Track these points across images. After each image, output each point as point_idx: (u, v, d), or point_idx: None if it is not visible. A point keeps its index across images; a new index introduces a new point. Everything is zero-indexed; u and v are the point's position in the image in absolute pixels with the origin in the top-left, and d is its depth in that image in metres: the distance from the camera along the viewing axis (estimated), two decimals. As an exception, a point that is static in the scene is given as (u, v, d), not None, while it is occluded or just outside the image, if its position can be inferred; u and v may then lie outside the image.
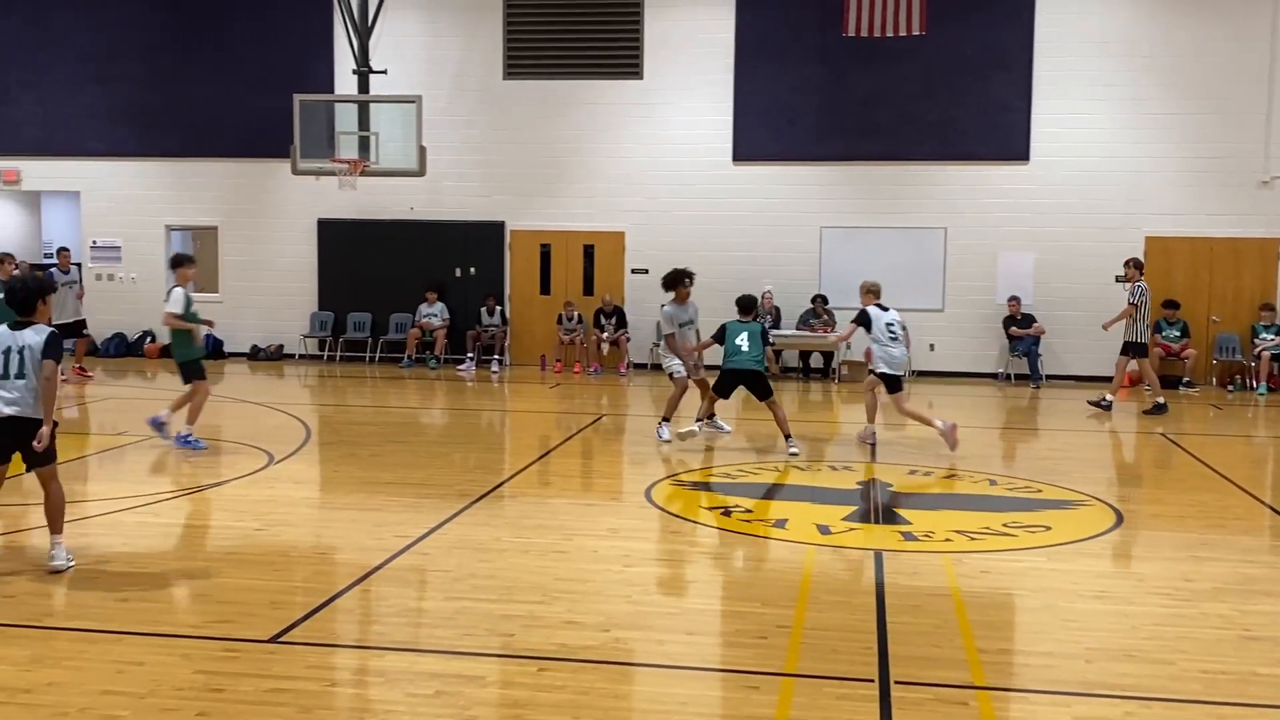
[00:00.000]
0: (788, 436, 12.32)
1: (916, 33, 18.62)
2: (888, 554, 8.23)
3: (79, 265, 20.06)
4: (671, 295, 13.00)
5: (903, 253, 19.30)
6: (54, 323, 16.04)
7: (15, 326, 7.40)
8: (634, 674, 6.06)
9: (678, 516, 9.35)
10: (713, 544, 8.60)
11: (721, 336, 12.51)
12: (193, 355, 11.99)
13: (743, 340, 12.34)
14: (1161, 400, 15.61)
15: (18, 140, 21.20)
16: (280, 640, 6.31)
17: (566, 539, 8.54)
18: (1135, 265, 15.94)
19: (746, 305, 12.59)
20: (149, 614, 6.70)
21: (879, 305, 12.70)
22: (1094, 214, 18.91)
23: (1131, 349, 15.78)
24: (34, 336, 7.35)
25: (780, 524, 9.10)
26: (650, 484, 10.52)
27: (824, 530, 8.94)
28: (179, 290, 11.89)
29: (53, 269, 17.85)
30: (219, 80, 20.55)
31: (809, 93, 19.33)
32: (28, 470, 7.60)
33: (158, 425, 12.11)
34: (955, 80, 19.08)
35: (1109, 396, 15.88)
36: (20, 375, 7.28)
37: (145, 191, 21.05)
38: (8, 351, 7.31)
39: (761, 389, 12.42)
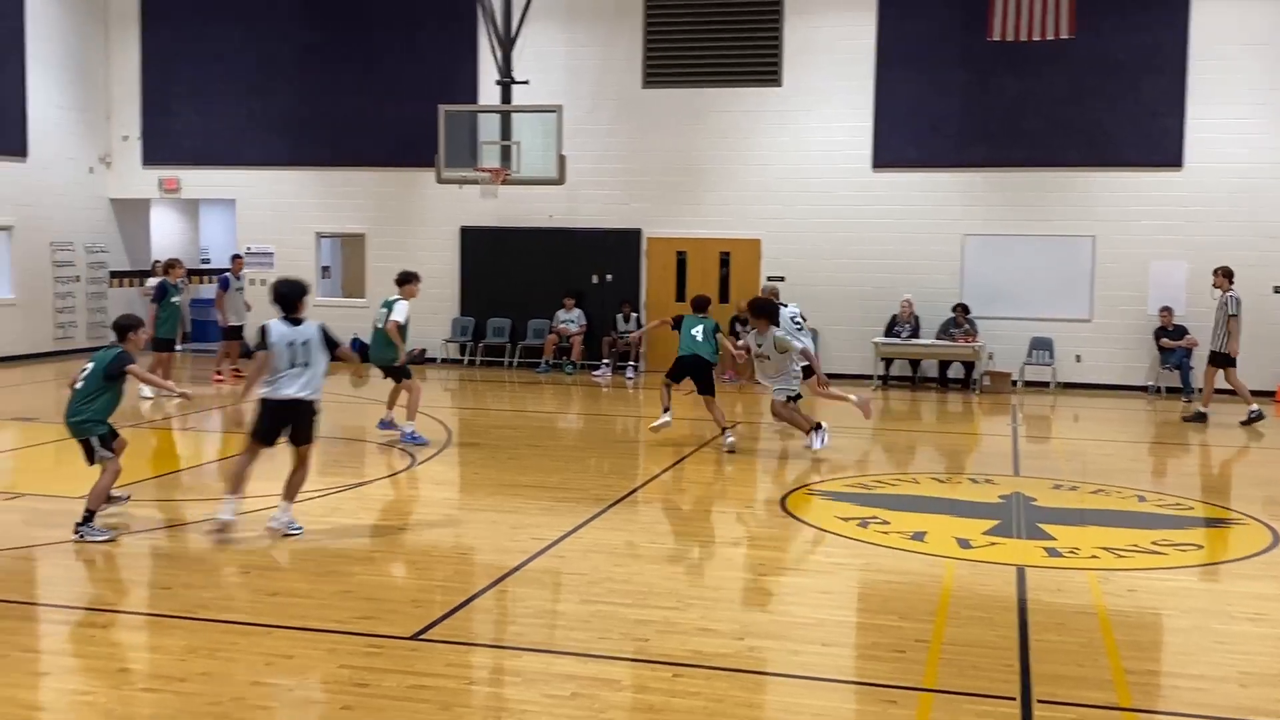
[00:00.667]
0: (724, 430, 12.89)
1: (1064, 36, 18.12)
2: (1030, 570, 8.03)
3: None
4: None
5: (1048, 261, 18.81)
6: (226, 324, 16.70)
7: (293, 322, 8.51)
8: (769, 683, 6.03)
9: (813, 526, 9.27)
10: (848, 555, 8.50)
11: (678, 325, 13.19)
12: (396, 359, 12.68)
13: (697, 332, 13.00)
14: (1204, 410, 15.49)
15: (178, 150, 22.14)
16: (421, 638, 6.46)
17: (701, 546, 8.56)
18: (1226, 274, 15.54)
19: (700, 304, 13.40)
20: (297, 608, 6.93)
21: (780, 303, 13.74)
22: (1253, 222, 18.13)
23: (1219, 359, 15.47)
24: (312, 330, 8.50)
25: (919, 536, 8.96)
26: (785, 493, 10.46)
27: (964, 544, 8.76)
28: (404, 303, 12.62)
29: (226, 273, 18.53)
30: (368, 92, 21.14)
31: (952, 98, 18.99)
32: (295, 446, 8.60)
33: (387, 426, 12.90)
34: (1104, 84, 18.52)
35: (1202, 409, 15.62)
36: (306, 364, 8.40)
37: (297, 200, 21.77)
38: (292, 344, 8.39)
39: (705, 382, 12.99)
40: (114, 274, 22.50)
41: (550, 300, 20.34)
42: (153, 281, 22.31)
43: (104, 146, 22.23)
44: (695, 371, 12.94)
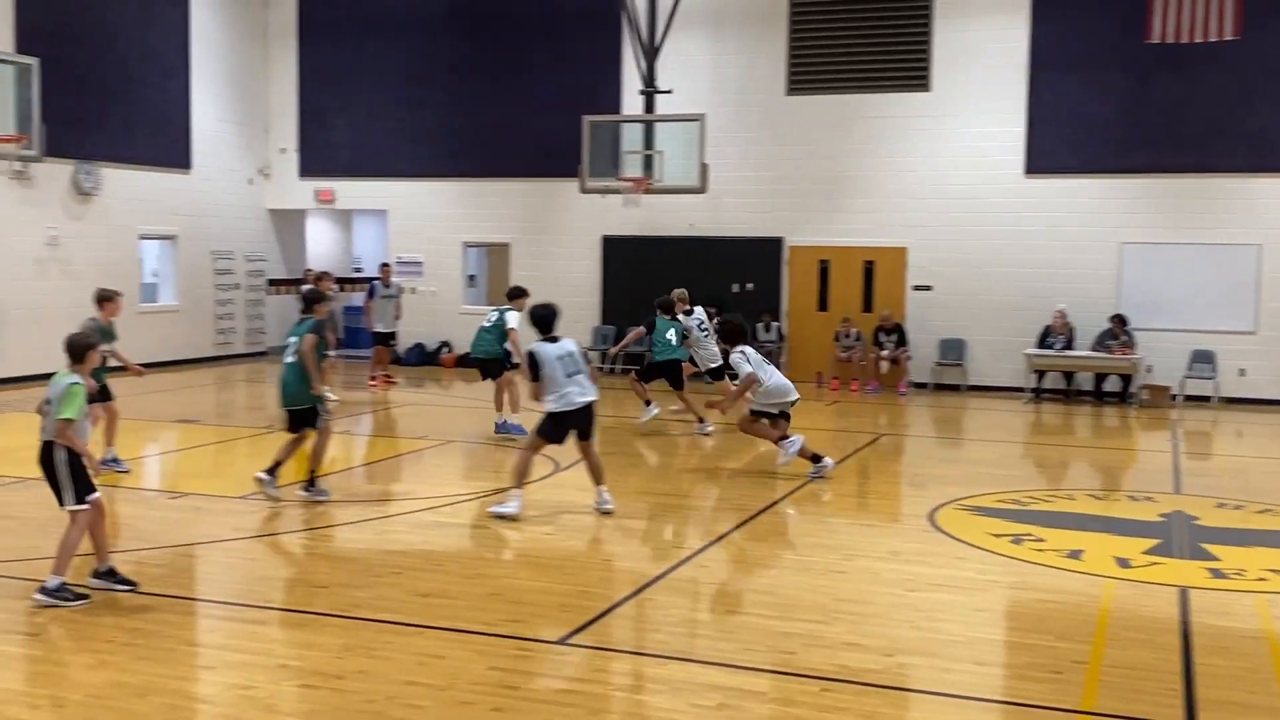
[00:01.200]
0: (701, 420, 13.96)
1: (1228, 37, 17.38)
2: (1194, 591, 7.70)
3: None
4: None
5: (1210, 271, 18.04)
6: (374, 330, 17.37)
7: (552, 340, 9.55)
8: (919, 701, 5.90)
9: (963, 542, 9.04)
10: (1001, 572, 8.26)
11: (650, 329, 14.15)
12: (499, 357, 13.88)
13: (671, 336, 14.09)
14: None
15: (333, 162, 22.83)
16: (568, 642, 6.49)
17: (846, 559, 8.42)
18: None
19: (665, 306, 14.27)
20: (448, 610, 7.04)
21: (685, 312, 14.34)
22: None
23: None
24: (572, 344, 9.65)
25: (1075, 555, 8.66)
26: (933, 507, 10.24)
27: (1123, 564, 8.44)
28: (516, 313, 13.69)
29: (375, 281, 19.03)
30: (514, 103, 21.48)
31: (1109, 102, 18.38)
32: (581, 441, 9.64)
33: (504, 428, 13.70)
34: (1271, 86, 17.70)
35: None
36: (580, 371, 9.49)
37: (445, 210, 22.24)
38: (562, 358, 9.44)
39: (677, 380, 14.29)
40: (271, 281, 23.31)
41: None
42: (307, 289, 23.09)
43: (263, 159, 23.06)
44: (668, 371, 14.36)
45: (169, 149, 20.76)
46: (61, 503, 7.13)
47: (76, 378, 7.19)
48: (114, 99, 19.54)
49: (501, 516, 9.38)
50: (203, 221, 21.47)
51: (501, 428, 13.67)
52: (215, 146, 21.82)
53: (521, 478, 9.60)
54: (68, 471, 7.07)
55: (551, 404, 9.46)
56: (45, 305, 17.40)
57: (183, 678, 6.01)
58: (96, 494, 7.20)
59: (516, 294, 14.12)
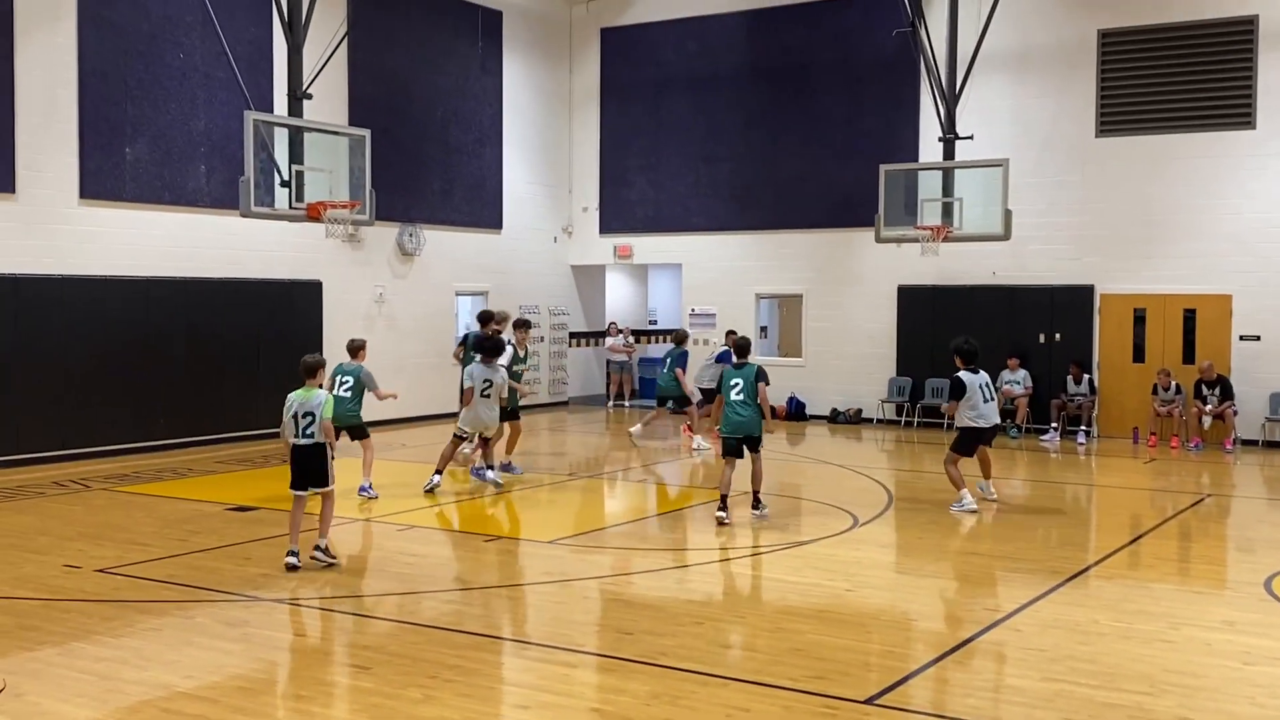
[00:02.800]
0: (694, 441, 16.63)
1: None
2: None
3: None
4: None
5: None
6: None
7: (975, 370, 12.50)
8: (1266, 788, 5.40)
9: (1307, 614, 8.27)
10: (1354, 650, 7.50)
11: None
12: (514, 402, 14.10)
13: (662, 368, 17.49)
14: None
15: (632, 218, 23.57)
16: (876, 702, 6.34)
17: (1173, 628, 7.86)
18: None
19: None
20: (752, 662, 7.03)
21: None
22: None
23: None
24: (985, 375, 12.51)
25: None
26: (1270, 575, 9.42)
27: None
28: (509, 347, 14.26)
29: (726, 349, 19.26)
30: (808, 154, 21.55)
31: None
32: (986, 446, 12.75)
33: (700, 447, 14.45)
34: None
35: None
36: (991, 398, 12.41)
37: (738, 262, 22.50)
38: (983, 386, 12.33)
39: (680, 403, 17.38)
40: (573, 335, 24.23)
41: (994, 360, 19.59)
42: (611, 340, 23.88)
43: (566, 218, 24.08)
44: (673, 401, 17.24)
45: (483, 210, 22.01)
46: (326, 484, 9.52)
47: (325, 392, 9.71)
48: (434, 165, 20.93)
49: (966, 511, 12.15)
50: (511, 278, 22.59)
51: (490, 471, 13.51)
52: (523, 207, 22.97)
53: (962, 482, 12.35)
54: (330, 462, 9.58)
55: (969, 420, 12.32)
56: (373, 355, 18.63)
57: (500, 716, 6.24)
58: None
59: (520, 324, 15.10)
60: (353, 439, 12.55)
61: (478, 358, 13.18)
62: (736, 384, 11.59)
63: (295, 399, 9.48)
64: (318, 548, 9.55)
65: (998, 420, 12.60)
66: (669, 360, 17.52)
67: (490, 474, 13.30)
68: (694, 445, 17.02)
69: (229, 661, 7.09)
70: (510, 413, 13.91)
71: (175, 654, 7.20)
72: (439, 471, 13.09)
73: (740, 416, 11.50)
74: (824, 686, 6.57)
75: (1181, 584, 9.54)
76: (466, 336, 15.92)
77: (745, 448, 11.59)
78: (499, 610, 8.55)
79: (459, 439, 13.28)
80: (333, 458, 9.62)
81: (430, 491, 12.83)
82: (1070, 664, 7.04)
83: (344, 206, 14.64)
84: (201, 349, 16.97)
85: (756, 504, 11.72)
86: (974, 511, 12.04)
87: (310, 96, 15.12)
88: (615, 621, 8.14)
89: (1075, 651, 7.29)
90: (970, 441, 12.39)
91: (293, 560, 9.37)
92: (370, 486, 12.70)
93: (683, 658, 7.09)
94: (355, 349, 12.98)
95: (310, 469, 9.49)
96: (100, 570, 9.37)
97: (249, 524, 11.20)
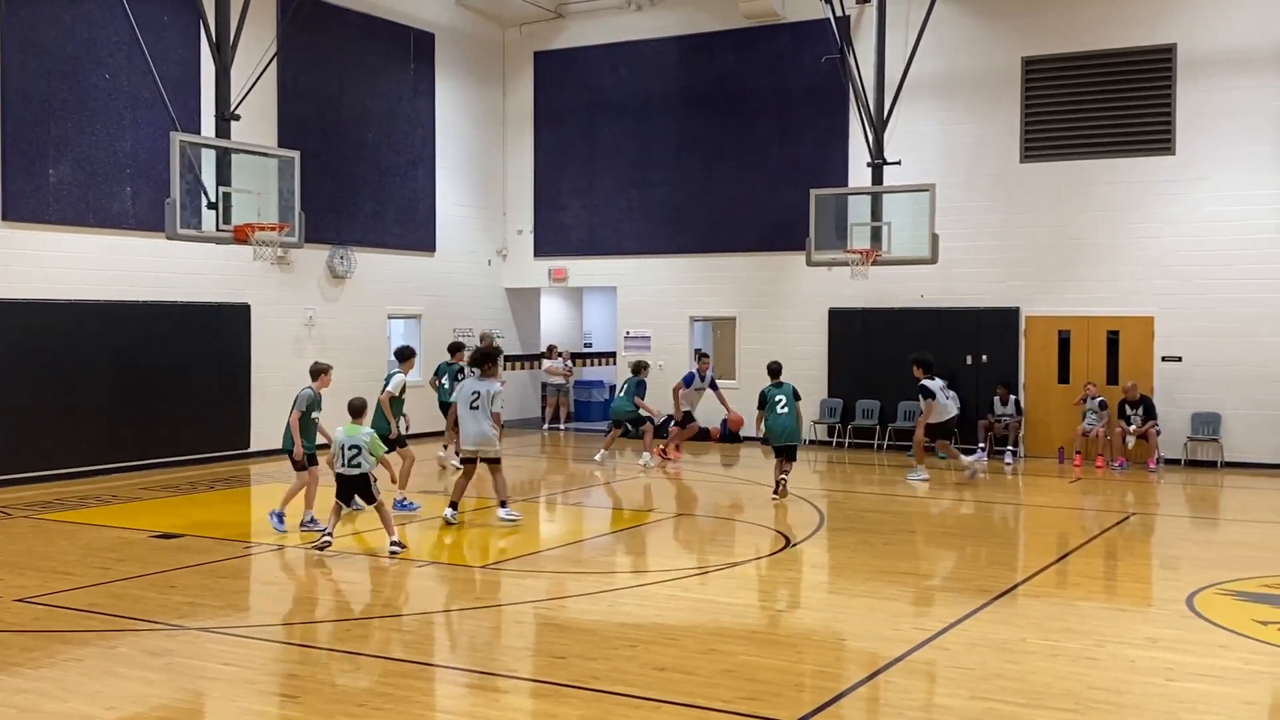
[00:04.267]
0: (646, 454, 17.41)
1: None
2: None
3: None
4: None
5: None
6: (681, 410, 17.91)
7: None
8: (1187, 802, 5.50)
9: (1226, 629, 8.45)
10: (1270, 663, 7.66)
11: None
12: (386, 432, 13.16)
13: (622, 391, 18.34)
14: None
15: (566, 242, 23.59)
16: (806, 724, 6.37)
17: (1098, 645, 7.99)
18: None
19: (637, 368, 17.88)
20: (684, 685, 7.03)
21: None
22: None
23: None
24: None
25: (1356, 647, 7.96)
26: (1192, 591, 9.62)
27: None
28: (399, 376, 13.75)
29: (692, 373, 18.95)
30: (741, 178, 21.74)
31: (1375, 159, 17.17)
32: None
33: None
34: None
35: None
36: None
37: (672, 285, 22.58)
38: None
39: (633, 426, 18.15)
40: (507, 358, 24.13)
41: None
42: (548, 363, 23.81)
43: (500, 240, 24.04)
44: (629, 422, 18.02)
45: (415, 233, 21.90)
46: (371, 501, 10.99)
47: (369, 429, 11.02)
48: (366, 187, 20.80)
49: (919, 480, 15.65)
50: (445, 301, 22.48)
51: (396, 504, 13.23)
52: (457, 229, 22.89)
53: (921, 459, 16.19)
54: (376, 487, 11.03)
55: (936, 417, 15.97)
56: (301, 381, 18.39)
57: (430, 743, 6.19)
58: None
59: (404, 355, 14.37)
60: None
61: (476, 372, 12.67)
62: (781, 399, 14.53)
63: (342, 433, 10.98)
64: (394, 541, 10.87)
65: (957, 411, 16.66)
66: (627, 388, 18.22)
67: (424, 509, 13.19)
68: (642, 461, 17.69)
69: (152, 692, 6.95)
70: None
71: (97, 684, 7.05)
72: (454, 505, 12.51)
73: (789, 427, 14.50)
74: (756, 708, 6.59)
75: (1107, 602, 9.70)
76: (440, 366, 17.13)
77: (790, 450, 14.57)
78: (430, 637, 8.48)
79: (469, 463, 12.58)
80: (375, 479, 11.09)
81: (450, 524, 12.35)
82: (998, 682, 7.13)
83: (272, 229, 14.48)
84: (127, 373, 16.68)
85: (777, 488, 14.49)
86: (925, 480, 15.93)
87: (238, 118, 14.97)
88: (548, 646, 8.10)
89: (1003, 670, 7.38)
90: (940, 431, 16.13)
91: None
92: (407, 501, 13.20)
93: (615, 681, 7.07)
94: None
95: (358, 491, 11.13)
96: (20, 600, 9.14)
97: (174, 551, 11.00)
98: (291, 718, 6.53)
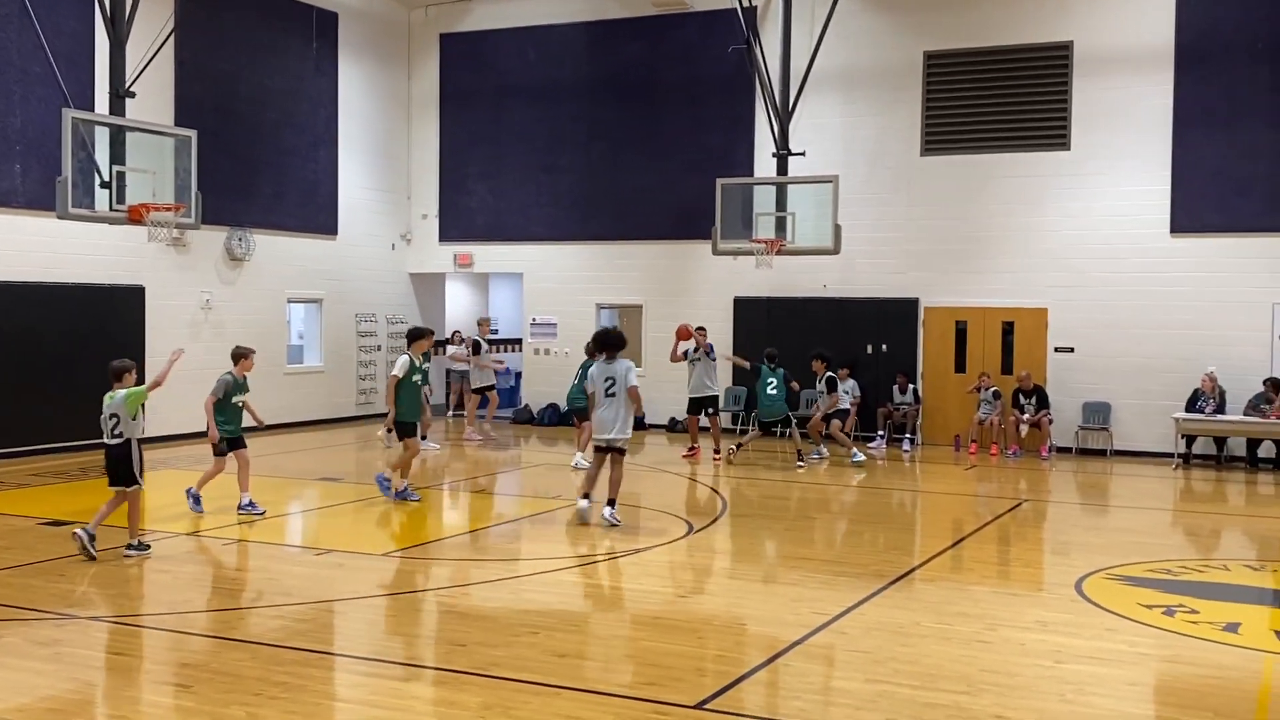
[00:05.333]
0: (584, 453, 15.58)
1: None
2: (1367, 671, 7.28)
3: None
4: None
5: (1373, 331, 17.21)
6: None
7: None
8: (1071, 779, 5.67)
9: (1113, 613, 8.72)
10: (1154, 645, 7.94)
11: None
12: (408, 417, 13.05)
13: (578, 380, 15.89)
14: None
15: (472, 226, 23.40)
16: (705, 707, 6.43)
17: (990, 629, 8.19)
18: None
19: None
20: (584, 671, 7.05)
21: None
22: None
23: None
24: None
25: (1232, 628, 8.27)
26: (1080, 576, 9.90)
27: (1286, 639, 8.05)
28: (405, 358, 13.04)
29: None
30: (649, 166, 21.77)
31: (1260, 159, 17.77)
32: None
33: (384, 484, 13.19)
34: None
35: None
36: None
37: (579, 272, 22.55)
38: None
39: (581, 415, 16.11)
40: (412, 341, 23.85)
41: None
42: (452, 349, 23.57)
43: (404, 225, 23.77)
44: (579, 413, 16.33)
45: (317, 216, 21.54)
46: (127, 482, 10.00)
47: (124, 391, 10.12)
48: (265, 168, 20.41)
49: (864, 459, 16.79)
50: (347, 285, 22.17)
51: (397, 493, 13.02)
52: (360, 213, 22.57)
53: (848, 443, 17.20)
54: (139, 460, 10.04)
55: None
56: (198, 366, 18.11)
57: (327, 732, 6.12)
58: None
59: (414, 336, 13.42)
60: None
61: (601, 357, 11.93)
62: (772, 381, 16.96)
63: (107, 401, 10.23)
64: (136, 544, 10.04)
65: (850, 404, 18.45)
66: (582, 373, 15.94)
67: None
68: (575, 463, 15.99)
69: (40, 683, 6.76)
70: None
71: (-21, 677, 6.84)
72: (586, 496, 11.95)
73: (771, 407, 17.07)
74: (656, 692, 6.63)
75: (999, 586, 9.94)
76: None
77: (782, 425, 17.15)
78: (328, 625, 8.37)
79: (601, 451, 11.92)
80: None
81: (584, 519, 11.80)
82: (893, 665, 7.27)
83: (168, 209, 14.18)
84: (15, 356, 16.18)
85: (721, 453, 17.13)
86: (825, 458, 17.26)
87: (133, 95, 14.60)
88: (449, 634, 8.05)
89: (898, 653, 7.52)
90: (840, 416, 17.45)
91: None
92: (253, 503, 12.09)
93: (516, 668, 7.07)
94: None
95: (115, 469, 10.10)
96: (-102, 590, 8.83)
97: (63, 539, 10.69)
98: (185, 708, 6.41)
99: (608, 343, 11.99)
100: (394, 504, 12.82)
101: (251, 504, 12.04)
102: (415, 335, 13.43)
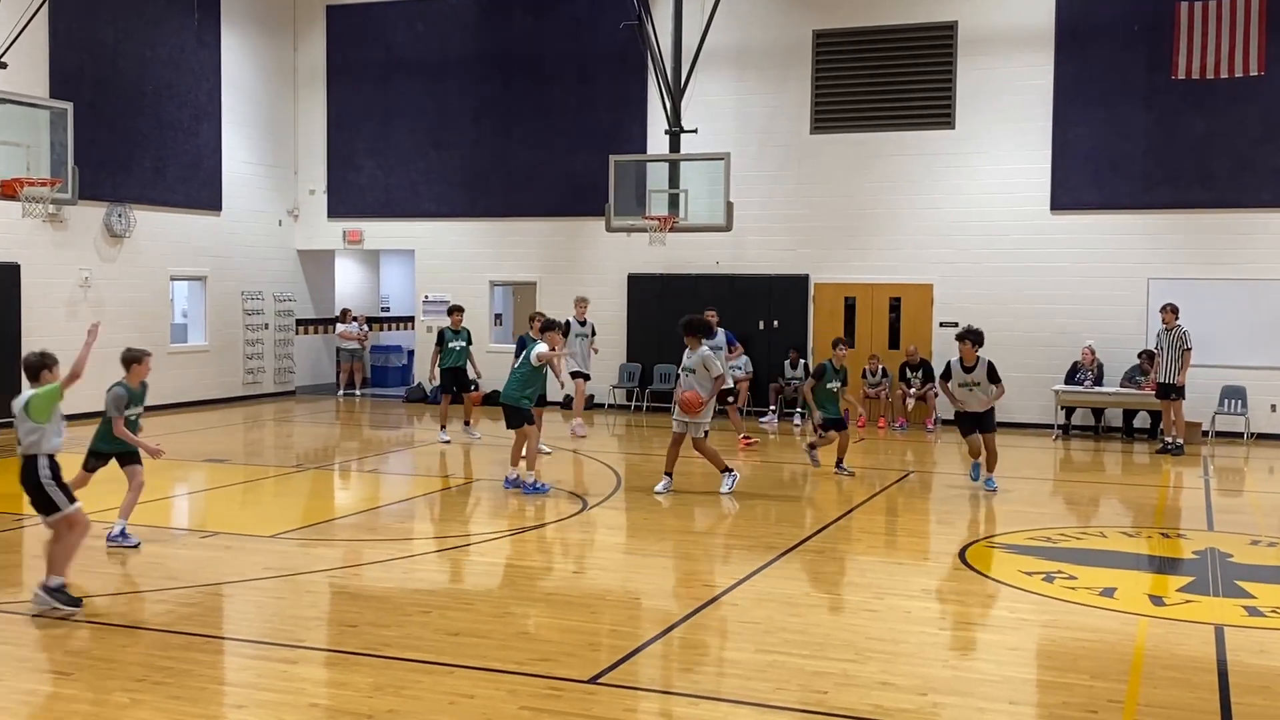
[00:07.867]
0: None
1: (1254, 73, 17.41)
2: (1230, 629, 7.61)
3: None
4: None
5: (1240, 306, 17.93)
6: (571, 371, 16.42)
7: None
8: (953, 741, 5.84)
9: (995, 580, 8.98)
10: (1034, 611, 8.20)
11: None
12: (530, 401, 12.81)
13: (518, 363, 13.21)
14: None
15: (362, 203, 23.04)
16: (599, 681, 6.47)
17: (877, 598, 8.37)
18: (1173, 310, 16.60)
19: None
20: (477, 649, 7.03)
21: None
22: None
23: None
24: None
25: (1108, 593, 8.58)
26: (963, 545, 10.18)
27: (1157, 601, 8.37)
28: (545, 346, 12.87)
29: (569, 319, 18.20)
30: (540, 144, 21.65)
31: (1135, 138, 18.37)
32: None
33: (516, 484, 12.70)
34: (1300, 120, 17.67)
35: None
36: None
37: (472, 249, 22.37)
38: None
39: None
40: (300, 322, 23.48)
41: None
42: (343, 328, 23.18)
43: (292, 200, 23.29)
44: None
45: (200, 191, 21.00)
46: (53, 511, 7.88)
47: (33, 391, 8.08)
48: (146, 142, 19.82)
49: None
50: (232, 262, 21.68)
51: (513, 483, 12.68)
52: (245, 189, 22.06)
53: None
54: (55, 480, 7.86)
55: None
56: (76, 346, 17.54)
57: (214, 717, 6.02)
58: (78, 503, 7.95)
59: (548, 326, 13.18)
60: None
61: (706, 344, 12.71)
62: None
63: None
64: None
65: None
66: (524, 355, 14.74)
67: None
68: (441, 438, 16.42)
69: (-92, 676, 6.52)
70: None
71: None
72: (669, 474, 12.72)
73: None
74: (550, 668, 6.65)
75: (886, 556, 10.17)
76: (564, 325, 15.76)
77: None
78: (214, 609, 8.22)
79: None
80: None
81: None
82: (783, 635, 7.39)
83: (43, 184, 13.72)
84: (-122, 337, 15.51)
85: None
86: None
87: (5, 65, 14.07)
88: (339, 615, 7.97)
89: (787, 623, 7.65)
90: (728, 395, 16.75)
91: None
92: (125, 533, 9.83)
93: (407, 648, 7.02)
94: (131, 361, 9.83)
95: (26, 487, 7.89)
96: None
97: (-66, 527, 10.32)
98: (66, 695, 6.25)
99: (701, 329, 12.79)
100: (531, 496, 12.26)
101: (124, 534, 9.77)
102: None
